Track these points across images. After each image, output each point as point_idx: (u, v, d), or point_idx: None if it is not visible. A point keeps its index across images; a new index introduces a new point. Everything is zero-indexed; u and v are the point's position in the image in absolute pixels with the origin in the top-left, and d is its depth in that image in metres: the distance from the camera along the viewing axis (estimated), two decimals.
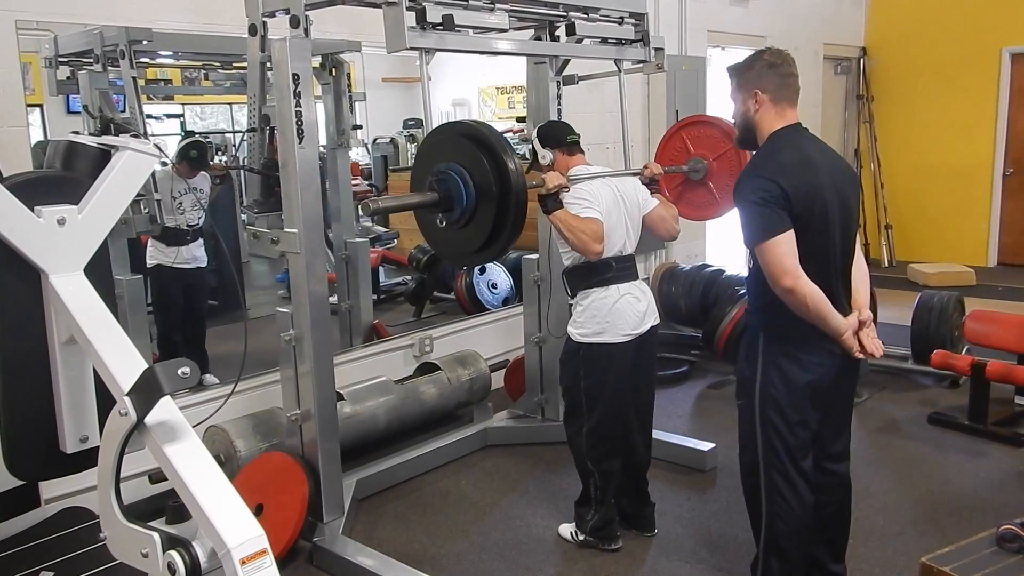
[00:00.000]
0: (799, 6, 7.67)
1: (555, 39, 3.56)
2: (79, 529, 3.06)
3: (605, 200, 2.96)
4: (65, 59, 3.58)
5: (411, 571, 2.85)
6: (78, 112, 3.69)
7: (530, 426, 4.19)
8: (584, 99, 4.97)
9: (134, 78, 3.39)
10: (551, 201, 2.89)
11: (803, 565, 2.58)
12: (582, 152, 3.16)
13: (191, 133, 5.78)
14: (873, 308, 2.95)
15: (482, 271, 5.82)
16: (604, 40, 3.46)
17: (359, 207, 5.08)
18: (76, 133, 1.99)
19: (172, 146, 4.65)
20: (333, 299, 4.50)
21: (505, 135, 3.85)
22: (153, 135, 4.35)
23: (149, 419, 1.47)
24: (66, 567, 2.84)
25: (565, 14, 3.32)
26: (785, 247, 2.27)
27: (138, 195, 2.97)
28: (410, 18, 2.66)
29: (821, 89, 8.14)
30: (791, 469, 2.45)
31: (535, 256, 4.05)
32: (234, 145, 6.38)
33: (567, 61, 3.86)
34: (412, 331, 4.84)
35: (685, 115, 4.68)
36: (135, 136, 1.90)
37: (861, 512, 3.16)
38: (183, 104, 5.94)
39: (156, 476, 3.00)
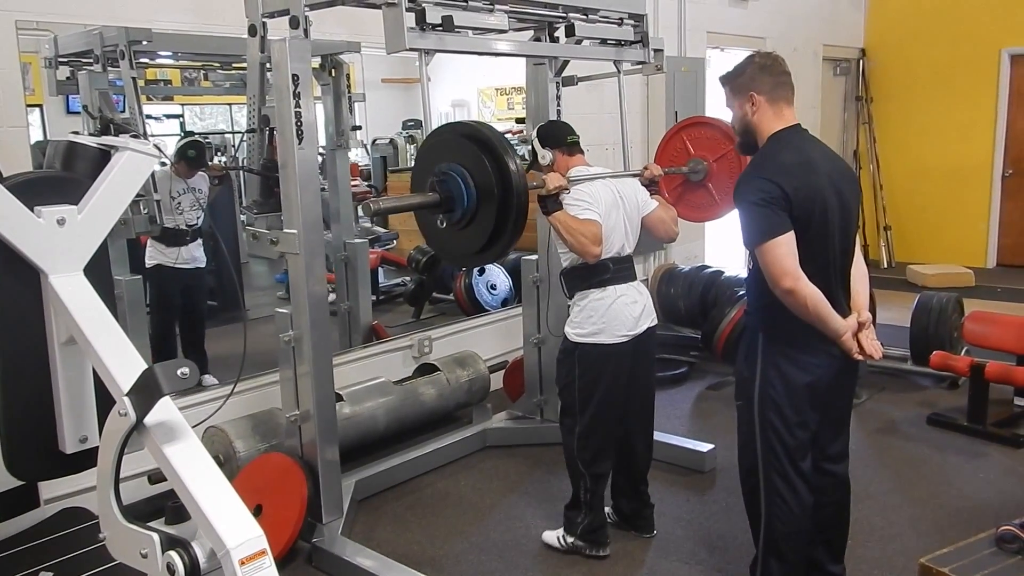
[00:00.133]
0: (798, 7, 7.67)
1: (554, 40, 3.57)
2: (78, 529, 3.06)
3: (604, 201, 2.96)
4: (65, 59, 3.58)
5: (410, 572, 2.85)
6: (78, 112, 3.69)
7: (529, 427, 4.19)
8: (583, 100, 4.98)
9: (134, 78, 3.39)
10: (551, 202, 2.88)
11: (802, 566, 2.58)
12: (582, 152, 3.16)
13: (190, 133, 5.78)
14: (872, 309, 2.95)
15: (481, 272, 5.82)
16: (603, 41, 3.47)
17: (358, 208, 5.09)
18: (76, 133, 2.00)
19: (171, 146, 4.64)
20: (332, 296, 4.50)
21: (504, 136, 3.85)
22: (153, 135, 4.35)
23: (148, 419, 1.47)
24: (65, 567, 2.83)
25: (564, 15, 3.32)
26: (785, 248, 2.27)
27: (138, 195, 2.96)
28: (410, 19, 2.66)
29: (820, 90, 8.14)
30: (790, 470, 2.45)
31: (534, 257, 4.05)
32: (233, 146, 6.38)
33: (566, 62, 3.86)
34: (411, 332, 4.84)
35: (684, 116, 4.69)
36: (135, 136, 1.89)
37: (860, 513, 3.16)
38: (183, 105, 5.94)
39: (155, 476, 3.00)
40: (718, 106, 2.62)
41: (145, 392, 1.44)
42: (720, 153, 3.53)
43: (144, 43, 3.40)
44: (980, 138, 8.08)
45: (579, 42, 3.41)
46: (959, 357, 4.44)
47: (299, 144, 2.89)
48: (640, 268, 5.89)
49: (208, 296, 5.00)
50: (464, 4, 2.83)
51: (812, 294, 2.29)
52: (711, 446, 3.85)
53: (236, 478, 3.25)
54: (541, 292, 4.04)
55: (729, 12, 6.90)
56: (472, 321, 5.21)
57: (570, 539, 3.11)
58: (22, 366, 1.63)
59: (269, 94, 3.00)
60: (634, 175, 3.22)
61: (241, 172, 5.33)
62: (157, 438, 1.47)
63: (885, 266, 8.37)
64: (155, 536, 1.45)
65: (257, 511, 3.05)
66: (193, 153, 4.47)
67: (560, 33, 3.43)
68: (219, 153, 6.38)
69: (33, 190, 1.63)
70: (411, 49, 2.67)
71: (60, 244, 1.63)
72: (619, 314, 2.96)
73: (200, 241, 4.63)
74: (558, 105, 3.89)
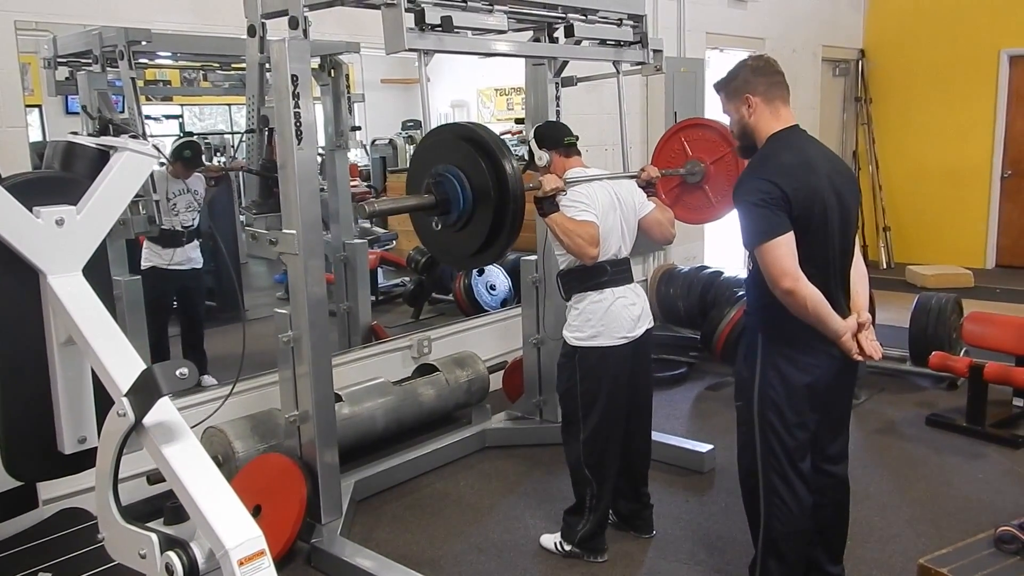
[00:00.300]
0: (797, 8, 7.68)
1: (554, 41, 3.57)
2: (77, 530, 3.06)
3: (601, 203, 2.95)
4: (64, 60, 3.58)
5: (409, 572, 2.85)
6: (77, 113, 3.68)
7: (528, 428, 4.19)
8: (583, 101, 4.98)
9: (133, 79, 3.38)
10: (547, 204, 2.88)
11: (801, 566, 2.58)
12: (579, 154, 3.16)
13: (189, 134, 5.78)
14: (872, 310, 2.95)
15: (480, 273, 5.82)
16: (603, 42, 3.47)
17: (357, 208, 5.08)
18: (75, 134, 1.99)
19: (170, 147, 4.63)
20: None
21: (503, 136, 3.85)
22: (152, 136, 4.35)
23: (147, 420, 1.47)
24: (64, 568, 2.83)
25: (564, 16, 3.32)
26: (785, 249, 2.27)
27: (136, 196, 2.97)
28: (409, 19, 2.66)
29: (819, 91, 8.15)
30: (789, 471, 2.46)
31: (533, 258, 4.05)
32: (232, 146, 6.38)
33: (566, 63, 3.86)
34: (410, 332, 4.84)
35: (684, 117, 4.69)
36: (134, 137, 1.89)
37: (859, 513, 3.16)
38: (182, 105, 5.93)
39: (154, 477, 3.00)
40: (717, 107, 2.61)
41: (144, 392, 1.44)
42: (718, 155, 3.53)
43: (143, 43, 3.39)
44: (979, 139, 8.09)
45: (578, 43, 3.41)
46: (958, 358, 4.45)
47: (298, 144, 2.89)
48: (639, 268, 5.90)
49: (207, 297, 5.00)
50: (463, 5, 2.83)
51: (812, 295, 2.29)
52: (710, 446, 3.85)
53: (235, 478, 3.25)
54: (540, 292, 4.04)
55: (728, 13, 6.90)
56: (471, 321, 5.21)
57: (567, 546, 3.10)
58: (21, 366, 1.63)
59: (268, 94, 3.00)
60: (631, 176, 3.21)
61: (240, 172, 5.33)
62: (156, 438, 1.47)
63: (884, 267, 8.37)
64: (154, 536, 1.45)
65: (256, 511, 3.04)
66: (189, 154, 4.45)
67: (559, 34, 3.42)
68: (218, 153, 6.38)
69: (32, 190, 1.63)
70: (410, 49, 2.67)
71: (59, 244, 1.63)
72: (618, 316, 2.96)
73: (196, 242, 4.61)
74: (557, 106, 3.89)
